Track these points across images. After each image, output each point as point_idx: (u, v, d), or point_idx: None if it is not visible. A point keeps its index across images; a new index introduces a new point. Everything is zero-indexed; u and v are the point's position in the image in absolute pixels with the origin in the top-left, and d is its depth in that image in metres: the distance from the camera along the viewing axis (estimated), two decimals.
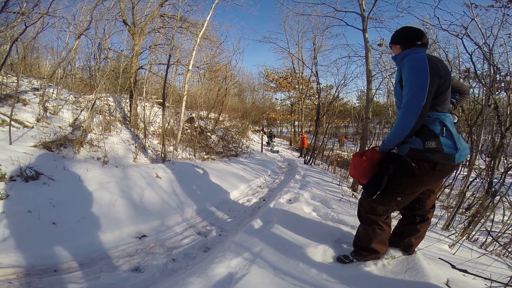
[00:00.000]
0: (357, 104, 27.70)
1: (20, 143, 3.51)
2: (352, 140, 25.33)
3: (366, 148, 1.95)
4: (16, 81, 5.20)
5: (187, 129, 8.58)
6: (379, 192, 1.61)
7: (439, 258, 1.80)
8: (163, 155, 5.24)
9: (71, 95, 6.29)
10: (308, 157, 10.07)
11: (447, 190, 4.12)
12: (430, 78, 1.38)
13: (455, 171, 3.11)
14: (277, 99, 27.42)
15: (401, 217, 1.96)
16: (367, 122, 6.07)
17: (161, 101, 7.30)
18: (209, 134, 9.57)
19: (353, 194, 4.79)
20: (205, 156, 6.85)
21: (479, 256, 2.03)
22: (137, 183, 3.33)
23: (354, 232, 2.37)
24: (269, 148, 15.23)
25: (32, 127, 4.21)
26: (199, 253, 2.31)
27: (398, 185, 1.61)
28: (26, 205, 2.33)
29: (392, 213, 1.86)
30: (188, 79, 7.93)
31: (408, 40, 1.60)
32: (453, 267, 1.44)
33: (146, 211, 2.87)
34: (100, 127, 5.23)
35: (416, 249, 1.90)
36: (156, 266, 2.01)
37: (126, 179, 3.31)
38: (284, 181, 6.11)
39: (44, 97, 5.07)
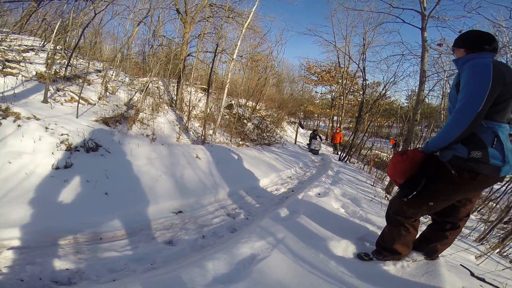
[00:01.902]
0: (405, 104, 25.62)
1: (84, 117, 4.05)
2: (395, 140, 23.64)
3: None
4: (83, 63, 5.94)
5: (225, 115, 8.91)
6: (415, 192, 1.60)
7: (461, 264, 1.76)
8: (203, 137, 5.60)
9: (127, 77, 6.95)
10: (344, 154, 9.78)
11: (492, 204, 3.77)
12: (491, 85, 1.30)
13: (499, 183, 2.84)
14: (317, 92, 26.58)
15: (431, 222, 1.91)
16: (414, 124, 5.68)
17: (205, 87, 7.67)
18: (245, 121, 9.81)
19: (386, 197, 4.62)
20: (240, 142, 7.10)
21: (503, 269, 1.95)
22: (179, 162, 3.67)
23: (379, 232, 2.37)
24: (309, 148, 12.07)
25: (95, 104, 4.80)
26: (227, 233, 2.51)
27: (433, 190, 1.58)
28: (86, 174, 2.70)
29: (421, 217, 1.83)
30: (231, 68, 8.15)
31: (474, 44, 1.50)
32: (472, 274, 1.41)
33: (185, 189, 3.17)
34: (150, 108, 5.75)
35: (439, 256, 1.86)
36: (187, 241, 2.23)
37: (170, 157, 3.67)
38: (315, 175, 6.09)
39: (105, 78, 5.70)
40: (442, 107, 13.07)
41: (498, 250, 2.56)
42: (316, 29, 26.28)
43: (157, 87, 7.11)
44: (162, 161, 3.46)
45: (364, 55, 10.99)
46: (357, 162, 10.90)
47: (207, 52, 9.60)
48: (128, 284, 1.40)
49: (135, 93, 5.88)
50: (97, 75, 6.13)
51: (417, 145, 8.52)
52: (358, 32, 17.47)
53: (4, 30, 6.17)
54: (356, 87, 20.73)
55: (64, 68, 5.01)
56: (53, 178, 2.49)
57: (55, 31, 4.71)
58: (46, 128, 3.07)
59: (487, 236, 3.03)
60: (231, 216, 2.96)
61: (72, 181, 2.57)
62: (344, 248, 2.02)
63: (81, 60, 6.72)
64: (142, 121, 5.11)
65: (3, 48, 4.84)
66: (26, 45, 5.65)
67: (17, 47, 5.25)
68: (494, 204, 3.71)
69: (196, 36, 8.74)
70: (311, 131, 13.64)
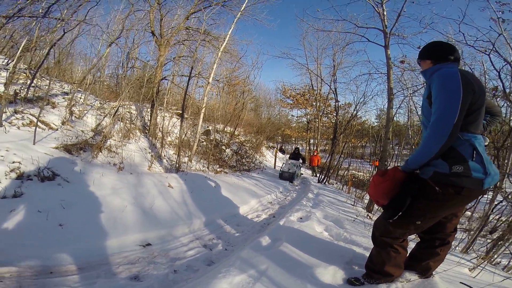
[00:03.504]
0: (375, 124, 27.11)
1: (43, 144, 3.68)
2: (368, 161, 24.57)
3: (387, 168, 1.86)
4: (48, 85, 5.57)
5: (203, 141, 8.70)
6: (400, 213, 1.52)
7: (461, 282, 1.69)
8: (177, 165, 5.30)
9: (97, 101, 6.61)
10: (322, 176, 9.83)
11: (468, 213, 3.86)
12: (463, 94, 1.28)
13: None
14: (293, 115, 27.39)
15: (419, 240, 1.84)
16: (387, 142, 5.86)
17: (180, 112, 7.50)
18: (223, 147, 9.64)
19: (368, 215, 4.56)
20: (218, 169, 6.86)
21: (503, 280, 1.91)
22: (149, 191, 3.37)
23: (367, 254, 2.26)
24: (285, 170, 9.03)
25: (57, 129, 4.41)
26: (203, 266, 2.24)
27: (419, 209, 1.51)
28: (38, 204, 2.39)
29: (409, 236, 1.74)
30: (207, 92, 8.09)
31: (440, 54, 1.52)
32: None
33: (155, 220, 2.86)
34: (120, 134, 5.41)
35: (433, 273, 1.78)
36: (156, 276, 1.96)
37: (139, 186, 3.36)
38: (296, 199, 5.95)
39: (72, 101, 5.33)
40: (409, 124, 13.96)
41: (487, 260, 2.55)
42: (290, 52, 27.78)
43: (129, 112, 6.80)
44: (130, 191, 3.15)
45: (335, 77, 11.55)
46: (336, 183, 11.00)
47: (182, 76, 9.56)
48: None
49: (104, 117, 5.55)
50: (63, 98, 5.77)
51: (391, 164, 8.82)
52: (328, 53, 18.64)
53: None
54: (329, 109, 21.62)
55: (26, 89, 4.63)
56: None
57: (20, 48, 4.40)
58: None
59: (472, 246, 3.06)
60: (207, 247, 2.68)
61: (20, 211, 2.25)
62: (332, 274, 1.87)
63: (47, 81, 6.34)
64: (110, 148, 4.76)
65: None
66: None
67: None
68: (470, 213, 3.80)
69: (171, 59, 8.71)
70: (292, 152, 11.80)
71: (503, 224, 3.24)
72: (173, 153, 6.44)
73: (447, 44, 1.60)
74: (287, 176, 8.79)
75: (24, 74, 5.42)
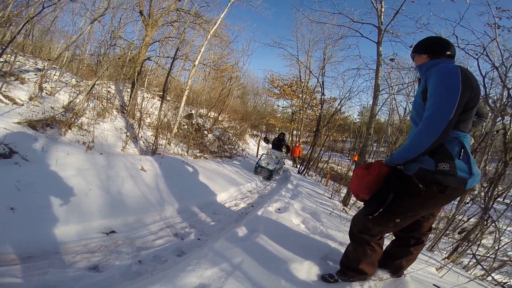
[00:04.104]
0: (357, 120, 27.74)
1: (3, 119, 3.32)
2: (347, 155, 25.26)
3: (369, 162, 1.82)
4: (21, 61, 5.06)
5: (184, 125, 8.40)
6: (381, 209, 1.47)
7: (434, 285, 1.72)
8: (154, 147, 5.04)
9: (73, 79, 6.13)
10: (302, 168, 9.92)
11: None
12: (461, 91, 1.24)
13: None
14: (278, 105, 27.37)
15: (394, 237, 1.83)
16: (368, 137, 5.94)
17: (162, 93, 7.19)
18: (206, 132, 9.39)
19: (344, 209, 4.62)
20: (198, 154, 6.66)
21: (468, 281, 1.98)
22: (119, 174, 3.12)
23: (342, 249, 2.25)
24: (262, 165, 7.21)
25: (22, 105, 4.03)
26: (172, 256, 2.11)
27: (400, 206, 1.46)
28: None
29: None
30: (193, 74, 7.82)
31: (437, 50, 1.48)
32: None
33: (122, 205, 2.65)
34: (94, 112, 5.04)
35: (404, 272, 1.79)
36: (118, 267, 1.80)
37: (107, 168, 3.10)
38: (275, 189, 5.93)
39: (44, 77, 4.90)
40: (389, 122, 14.39)
41: (451, 260, 2.63)
42: (282, 42, 27.42)
43: (108, 91, 6.38)
44: (97, 173, 2.89)
45: (324, 70, 11.54)
46: (315, 175, 11.16)
47: (168, 57, 9.12)
48: None
49: (78, 95, 5.13)
50: (35, 74, 5.28)
51: (369, 159, 9.04)
52: (319, 46, 18.71)
53: None
54: (314, 101, 21.81)
55: None
56: None
57: None
58: None
59: (437, 244, 3.18)
60: (179, 236, 2.54)
61: None
62: (307, 270, 1.82)
63: (21, 57, 5.76)
64: (82, 126, 4.40)
65: None
66: None
67: None
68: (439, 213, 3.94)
69: (157, 40, 8.28)
70: (275, 137, 9.68)
71: (468, 226, 3.38)
72: (151, 135, 6.14)
73: (445, 39, 1.56)
74: (264, 174, 6.99)
75: None
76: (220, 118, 11.79)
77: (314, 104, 22.32)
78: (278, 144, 8.90)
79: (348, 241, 2.44)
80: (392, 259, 1.75)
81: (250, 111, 17.08)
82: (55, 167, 2.65)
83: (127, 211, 2.61)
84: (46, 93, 4.82)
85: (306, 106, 20.31)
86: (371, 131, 5.96)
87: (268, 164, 7.27)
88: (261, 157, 7.80)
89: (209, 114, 11.05)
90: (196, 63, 7.48)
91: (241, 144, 11.95)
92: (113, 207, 2.55)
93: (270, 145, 10.77)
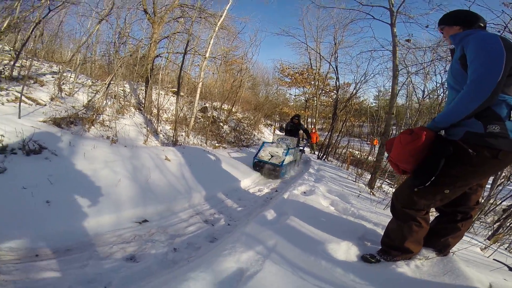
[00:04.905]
0: (373, 104, 26.87)
1: (29, 118, 3.43)
2: (366, 139, 24.65)
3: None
4: (36, 65, 5.23)
5: (199, 118, 8.44)
6: (432, 179, 1.35)
7: (494, 259, 1.66)
8: (174, 139, 5.09)
9: (88, 80, 6.29)
10: (321, 153, 9.76)
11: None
12: (506, 54, 1.18)
13: None
14: (291, 94, 26.98)
15: (438, 214, 1.71)
16: (390, 117, 5.73)
17: (176, 90, 7.25)
18: (221, 124, 9.40)
19: (371, 192, 4.47)
20: (216, 144, 6.68)
21: None
22: (145, 165, 3.15)
23: (378, 230, 2.15)
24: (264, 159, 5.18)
25: (45, 105, 4.16)
26: (205, 243, 2.10)
27: (448, 176, 1.35)
28: (22, 180, 2.15)
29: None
30: (204, 67, 7.82)
31: (470, 21, 1.45)
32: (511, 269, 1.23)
33: (151, 194, 2.68)
34: (113, 109, 5.14)
35: (450, 251, 1.68)
36: (154, 256, 1.80)
37: (133, 159, 3.14)
38: (297, 174, 5.83)
39: (61, 78, 5.04)
40: (408, 105, 13.81)
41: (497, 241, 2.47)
42: (289, 30, 26.78)
43: (123, 90, 6.50)
44: (124, 164, 2.92)
45: (336, 55, 11.15)
46: (334, 160, 10.95)
47: (177, 53, 9.16)
48: None
49: (95, 94, 5.23)
50: (52, 77, 5.45)
51: None
52: (328, 32, 18.18)
53: None
54: (328, 88, 21.26)
55: (10, 68, 4.33)
56: None
57: (1, 29, 4.01)
58: None
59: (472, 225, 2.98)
60: (209, 222, 2.53)
61: (2, 188, 2.01)
62: (346, 250, 1.73)
63: (35, 62, 5.96)
64: (103, 123, 4.50)
65: None
66: None
67: None
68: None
69: (165, 37, 8.32)
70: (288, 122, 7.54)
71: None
72: (170, 129, 6.21)
73: (474, 12, 1.51)
74: (267, 171, 5.00)
75: (9, 56, 5.04)
76: (233, 110, 11.77)
77: (327, 90, 21.78)
78: (292, 129, 7.06)
79: (383, 222, 2.35)
80: (437, 236, 1.63)
81: (262, 101, 16.92)
82: (83, 160, 2.70)
83: (157, 200, 2.63)
84: (65, 93, 4.95)
85: (319, 92, 19.84)
86: (393, 110, 5.79)
87: (272, 157, 5.20)
88: (261, 147, 5.56)
89: (222, 106, 11.04)
90: (207, 55, 7.50)
91: (256, 133, 11.90)
92: (143, 196, 2.57)
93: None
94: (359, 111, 21.68)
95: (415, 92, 12.66)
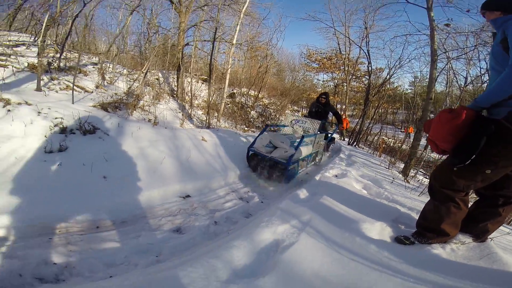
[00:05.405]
0: (409, 90, 25.13)
1: (81, 103, 3.80)
2: (400, 127, 23.33)
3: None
4: (77, 57, 5.69)
5: (228, 104, 8.63)
6: (474, 156, 1.33)
7: None
8: (207, 122, 5.34)
9: (125, 70, 6.69)
10: (352, 139, 9.50)
11: None
12: None
13: None
14: (318, 80, 26.11)
15: (478, 198, 1.66)
16: (429, 102, 5.41)
17: (205, 78, 7.43)
18: (249, 109, 9.52)
19: (405, 179, 4.34)
20: (245, 128, 6.84)
21: None
22: (184, 144, 3.38)
23: (413, 214, 2.14)
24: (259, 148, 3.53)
25: (92, 92, 4.55)
26: (241, 218, 2.26)
27: (490, 155, 1.33)
28: (82, 157, 2.42)
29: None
30: (232, 53, 7.88)
31: (511, 6, 1.42)
32: None
33: (191, 171, 2.90)
34: (151, 96, 5.48)
35: (489, 237, 1.63)
36: (198, 228, 1.97)
37: (174, 139, 3.39)
38: (328, 158, 5.79)
39: (102, 69, 5.44)
40: (448, 92, 12.74)
41: None
42: (315, 15, 25.52)
43: (157, 79, 6.85)
44: (166, 143, 3.17)
45: (367, 38, 10.56)
46: (365, 147, 10.61)
47: (205, 41, 9.30)
48: (127, 282, 1.11)
49: (134, 82, 5.59)
50: (93, 67, 5.89)
51: None
52: (358, 16, 16.95)
53: None
54: (358, 73, 20.24)
55: (57, 60, 4.76)
56: (46, 163, 2.22)
57: (44, 23, 4.42)
58: (39, 112, 2.81)
59: None
60: (244, 200, 2.70)
61: (66, 165, 2.29)
62: (379, 231, 1.77)
63: (75, 54, 6.46)
64: (143, 108, 4.84)
65: None
66: (16, 41, 5.40)
67: (7, 42, 4.96)
68: None
69: (193, 25, 8.48)
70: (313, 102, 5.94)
71: None
72: (202, 113, 6.47)
73: None
74: (265, 169, 3.47)
75: (53, 49, 5.51)
76: (260, 96, 11.78)
77: (358, 75, 20.72)
78: (319, 111, 5.41)
79: (418, 207, 2.31)
80: (475, 221, 1.60)
81: (288, 87, 16.62)
82: (131, 139, 2.97)
83: (197, 177, 2.84)
84: (107, 82, 5.35)
85: (349, 78, 18.94)
86: (431, 95, 5.45)
87: (276, 148, 3.48)
88: (262, 132, 3.91)
89: (249, 92, 11.11)
90: (234, 41, 7.56)
91: (282, 119, 11.86)
92: (184, 173, 2.80)
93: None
94: (393, 97, 20.40)
95: (456, 78, 11.66)
